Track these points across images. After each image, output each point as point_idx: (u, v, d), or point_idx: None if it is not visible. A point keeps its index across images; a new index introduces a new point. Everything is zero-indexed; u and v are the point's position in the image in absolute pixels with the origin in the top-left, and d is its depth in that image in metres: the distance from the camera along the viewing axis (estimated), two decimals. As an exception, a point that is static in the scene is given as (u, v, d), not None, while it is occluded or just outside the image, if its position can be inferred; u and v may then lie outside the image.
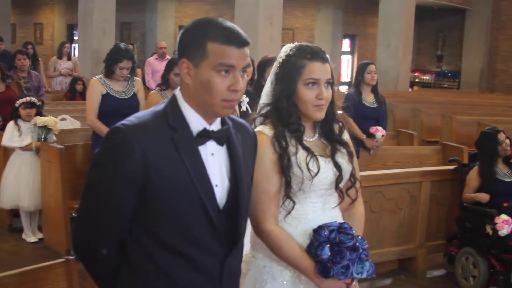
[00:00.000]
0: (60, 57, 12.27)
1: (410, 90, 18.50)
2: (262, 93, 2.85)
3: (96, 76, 6.16)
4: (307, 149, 2.67)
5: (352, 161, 2.81)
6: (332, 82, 2.72)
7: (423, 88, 21.05)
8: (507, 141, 5.82)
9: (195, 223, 2.10)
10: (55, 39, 23.30)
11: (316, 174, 2.65)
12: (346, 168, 2.77)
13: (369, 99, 7.07)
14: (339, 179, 2.75)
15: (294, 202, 2.66)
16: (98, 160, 2.10)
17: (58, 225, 6.32)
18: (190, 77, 2.12)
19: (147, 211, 2.09)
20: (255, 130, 2.65)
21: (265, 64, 5.69)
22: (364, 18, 21.02)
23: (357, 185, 2.86)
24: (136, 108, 6.09)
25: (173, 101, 2.17)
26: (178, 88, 2.21)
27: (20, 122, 6.48)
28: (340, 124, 2.82)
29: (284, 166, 2.61)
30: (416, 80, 22.69)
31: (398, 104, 12.80)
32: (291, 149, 2.65)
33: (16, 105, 6.50)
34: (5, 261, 6.02)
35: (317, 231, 2.61)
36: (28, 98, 6.54)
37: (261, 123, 2.73)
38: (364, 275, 2.59)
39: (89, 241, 2.14)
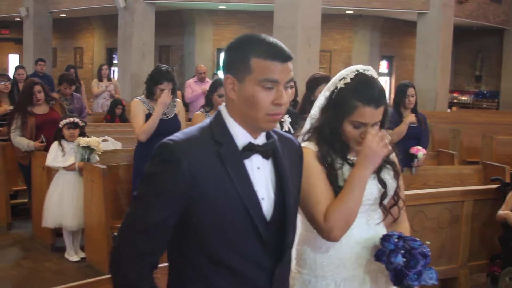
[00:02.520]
0: (100, 79, 12.48)
1: (448, 111, 18.35)
2: (315, 103, 2.88)
3: (138, 97, 6.25)
4: (352, 164, 2.69)
5: (398, 178, 2.82)
6: (383, 121, 2.73)
7: (462, 109, 20.87)
8: None
9: (242, 236, 2.12)
10: (94, 63, 23.69)
11: None
12: (391, 184, 2.78)
13: (411, 118, 7.05)
14: (384, 195, 2.77)
15: None
16: (147, 174, 2.13)
17: (100, 244, 6.38)
18: (234, 92, 2.15)
19: (195, 225, 2.11)
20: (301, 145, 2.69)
21: (317, 81, 5.69)
22: (402, 39, 20.98)
23: (400, 203, 2.87)
24: (177, 129, 6.10)
25: (218, 117, 2.21)
26: (223, 104, 2.26)
27: (63, 142, 6.60)
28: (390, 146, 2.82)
29: (331, 180, 2.63)
30: (455, 101, 22.53)
31: (437, 124, 12.70)
32: (337, 164, 2.67)
33: (60, 125, 6.62)
34: (48, 280, 6.10)
35: (386, 239, 2.64)
36: (71, 119, 6.66)
37: (306, 140, 2.76)
38: (434, 281, 2.63)
39: (128, 251, 2.13)
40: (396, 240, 2.62)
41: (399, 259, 2.58)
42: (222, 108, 2.22)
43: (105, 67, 12.68)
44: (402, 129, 6.87)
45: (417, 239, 2.66)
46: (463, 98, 22.85)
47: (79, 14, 22.10)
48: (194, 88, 11.83)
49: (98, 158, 6.66)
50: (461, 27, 19.28)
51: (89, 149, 6.54)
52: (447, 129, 12.39)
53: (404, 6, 17.42)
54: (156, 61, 18.46)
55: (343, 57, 20.25)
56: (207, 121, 2.22)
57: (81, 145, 6.50)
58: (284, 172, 2.23)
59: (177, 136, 2.12)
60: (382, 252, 2.64)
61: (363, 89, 2.66)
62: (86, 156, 6.54)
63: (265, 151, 2.19)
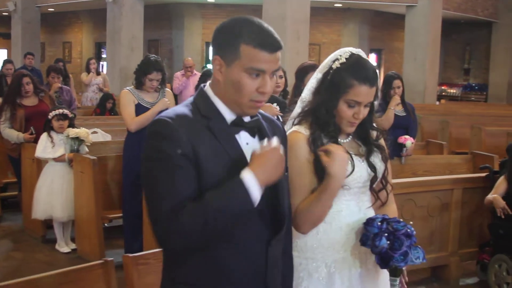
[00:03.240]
0: (88, 73, 12.44)
1: (437, 103, 18.41)
2: (306, 86, 2.89)
3: (127, 88, 6.22)
4: None
5: (386, 162, 2.84)
6: (373, 102, 2.74)
7: (451, 101, 20.94)
8: None
9: None
10: (83, 57, 23.58)
11: (351, 173, 2.68)
12: (380, 168, 2.80)
13: (397, 108, 7.08)
14: (373, 179, 2.79)
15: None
16: (149, 152, 2.11)
17: (91, 235, 6.38)
18: (221, 74, 2.17)
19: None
20: (291, 130, 2.70)
21: (305, 70, 5.70)
22: (390, 32, 21.03)
23: (388, 187, 2.89)
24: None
25: (203, 94, 2.23)
26: (207, 83, 2.27)
27: (53, 133, 6.58)
28: (378, 132, 2.84)
29: (319, 167, 2.63)
30: (443, 93, 22.60)
31: (426, 116, 12.75)
32: None
33: (49, 117, 6.60)
34: (39, 271, 6.04)
35: (369, 223, 2.65)
36: (60, 110, 6.65)
37: (298, 123, 2.76)
38: (421, 260, 2.64)
39: (165, 208, 2.04)
40: (379, 223, 2.63)
41: (383, 242, 2.59)
42: (207, 87, 2.24)
43: (93, 61, 12.67)
44: (389, 115, 6.90)
45: (401, 220, 2.67)
46: (451, 91, 22.94)
47: (67, 9, 22.02)
48: (182, 80, 11.84)
49: (87, 150, 6.66)
50: (450, 20, 19.34)
51: (78, 140, 6.53)
52: (436, 121, 12.45)
53: (393, -1, 17.47)
54: (145, 55, 18.41)
55: (332, 50, 19.70)
56: (190, 99, 2.24)
57: (70, 136, 6.48)
58: None
59: (167, 113, 2.13)
60: (366, 236, 2.66)
61: (359, 68, 2.67)
62: (76, 147, 6.53)
63: (252, 128, 2.22)
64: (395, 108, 7.03)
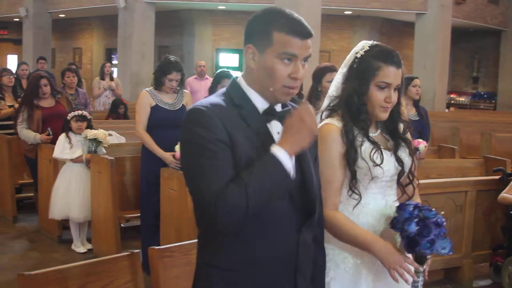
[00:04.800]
0: (102, 77, 12.50)
1: (446, 111, 18.45)
2: (332, 83, 2.97)
3: (146, 89, 6.28)
4: (373, 142, 2.78)
5: (413, 156, 2.91)
6: (401, 87, 2.81)
7: (460, 109, 20.97)
8: None
9: None
10: (93, 63, 23.75)
11: (380, 166, 2.75)
12: (407, 162, 2.87)
13: (411, 112, 7.14)
14: (401, 173, 2.85)
15: (360, 195, 2.76)
16: (188, 138, 2.18)
17: (108, 235, 6.45)
18: (254, 62, 2.25)
19: None
20: (323, 122, 2.77)
21: (323, 71, 5.75)
22: (400, 40, 21.09)
23: (415, 182, 2.96)
24: (184, 120, 6.22)
25: (235, 85, 2.31)
26: (241, 74, 2.34)
27: (71, 134, 6.66)
28: (405, 124, 2.91)
29: (351, 160, 2.71)
30: (452, 101, 22.63)
31: (436, 123, 12.78)
32: (357, 141, 2.76)
33: (68, 118, 6.69)
34: (56, 270, 6.16)
35: (402, 207, 2.71)
36: (79, 112, 6.73)
37: (329, 116, 2.83)
38: (447, 250, 2.68)
39: (212, 193, 2.10)
40: (412, 209, 2.69)
41: (412, 227, 2.64)
42: (240, 77, 2.32)
43: (108, 64, 12.70)
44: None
45: (433, 209, 2.73)
46: (460, 99, 22.97)
47: (78, 15, 22.16)
48: (194, 85, 11.94)
49: (104, 151, 6.72)
50: (459, 28, 19.40)
51: (96, 141, 6.60)
52: (447, 127, 12.48)
53: (403, 7, 17.52)
54: (156, 61, 18.51)
55: (342, 57, 19.95)
56: (222, 90, 2.32)
57: (88, 138, 6.55)
58: None
59: (201, 103, 2.21)
60: (397, 220, 2.71)
61: (383, 52, 2.79)
62: (93, 149, 6.60)
63: (283, 117, 2.27)
64: (409, 112, 7.08)
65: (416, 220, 2.65)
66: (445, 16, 17.38)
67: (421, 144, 6.98)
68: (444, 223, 2.72)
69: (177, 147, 5.90)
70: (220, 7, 18.50)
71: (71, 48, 25.21)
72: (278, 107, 2.31)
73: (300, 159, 2.29)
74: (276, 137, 2.25)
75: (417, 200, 3.01)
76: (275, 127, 2.27)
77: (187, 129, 2.19)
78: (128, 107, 11.20)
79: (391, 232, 2.73)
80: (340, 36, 20.49)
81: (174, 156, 5.84)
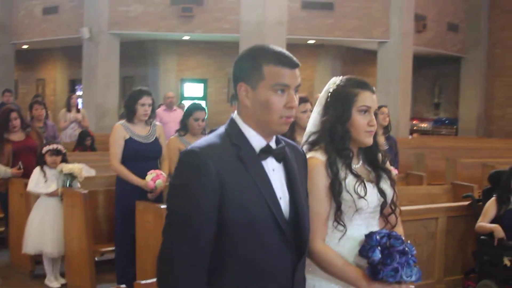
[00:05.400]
0: (69, 109, 12.43)
1: (410, 137, 18.72)
2: (309, 123, 3.05)
3: (120, 122, 6.33)
4: (356, 175, 2.86)
5: (394, 187, 3.00)
6: (376, 113, 2.92)
7: (422, 135, 21.28)
8: None
9: (268, 233, 2.27)
10: (57, 94, 23.58)
11: (364, 198, 2.84)
12: (389, 193, 2.96)
13: (380, 140, 7.25)
14: (383, 204, 2.94)
15: (345, 227, 2.84)
16: (177, 183, 2.26)
17: (82, 269, 6.42)
18: (248, 99, 2.33)
19: (222, 224, 2.23)
20: (307, 156, 2.85)
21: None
22: (363, 68, 21.38)
23: (397, 211, 3.05)
24: (158, 153, 6.28)
25: (233, 123, 2.38)
26: (235, 112, 2.42)
27: (45, 168, 6.64)
28: (383, 153, 3.01)
29: (336, 192, 2.79)
30: (415, 128, 22.94)
31: (401, 149, 12.90)
32: (341, 174, 2.84)
33: (43, 152, 6.66)
34: (30, 306, 6.11)
35: (369, 235, 2.77)
36: (54, 146, 6.71)
37: (310, 150, 2.91)
38: (413, 279, 2.71)
39: (176, 269, 2.24)
40: (379, 237, 2.75)
41: (375, 255, 2.71)
42: (235, 115, 2.39)
43: (74, 96, 12.68)
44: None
45: (401, 238, 2.80)
46: (422, 125, 23.29)
47: (41, 46, 22.02)
48: (163, 116, 11.97)
49: (79, 185, 6.69)
50: (420, 56, 19.74)
51: (71, 176, 6.58)
52: (412, 154, 12.65)
53: (365, 35, 17.81)
54: (121, 92, 18.53)
55: (307, 85, 20.50)
56: (222, 128, 2.39)
57: (64, 172, 6.54)
58: (294, 174, 2.40)
59: (198, 143, 2.28)
60: (364, 247, 2.79)
61: (356, 80, 2.93)
62: (68, 183, 6.57)
63: (278, 154, 2.36)
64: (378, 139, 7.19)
65: (380, 248, 2.71)
66: (407, 44, 17.73)
67: (393, 172, 7.11)
68: (413, 252, 2.77)
69: (148, 177, 5.95)
70: (185, 38, 18.59)
71: (34, 79, 25.00)
72: (273, 143, 2.37)
73: (294, 199, 2.37)
74: (271, 174, 2.32)
75: (399, 228, 3.10)
76: (270, 164, 2.35)
77: (178, 170, 2.27)
78: (95, 138, 11.18)
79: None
80: (305, 64, 20.67)
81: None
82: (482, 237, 5.98)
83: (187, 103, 17.32)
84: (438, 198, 7.65)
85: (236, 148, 2.29)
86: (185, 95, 20.29)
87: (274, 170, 2.35)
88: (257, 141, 2.34)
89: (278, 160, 2.38)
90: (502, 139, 19.43)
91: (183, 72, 20.41)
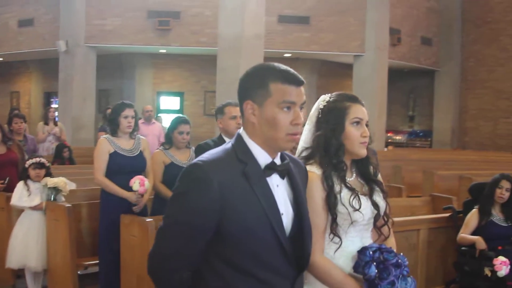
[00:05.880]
0: (46, 122, 12.38)
1: (385, 149, 18.89)
2: (300, 139, 3.11)
3: (104, 136, 6.34)
4: (351, 189, 2.93)
5: (387, 199, 3.08)
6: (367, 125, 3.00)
7: (397, 148, 21.48)
8: (507, 187, 6.14)
9: (268, 248, 2.32)
10: (32, 107, 23.43)
11: (359, 210, 2.91)
12: (382, 206, 3.04)
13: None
14: (377, 216, 3.01)
15: (341, 239, 2.90)
16: (179, 192, 2.32)
17: (65, 283, 6.38)
18: (255, 116, 2.38)
19: (224, 240, 2.29)
20: None
21: None
22: (338, 81, 21.56)
23: (390, 222, 3.12)
24: (143, 167, 6.29)
25: (239, 139, 2.42)
26: (241, 128, 2.47)
27: (29, 182, 6.61)
28: (374, 165, 3.09)
29: (331, 204, 2.86)
30: (389, 140, 23.14)
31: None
32: (336, 187, 2.90)
33: (26, 165, 6.65)
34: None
35: (362, 252, 2.84)
36: (38, 159, 6.69)
37: (306, 164, 2.98)
38: None
39: (164, 266, 2.33)
40: (372, 252, 2.83)
41: (372, 271, 2.78)
42: (242, 132, 2.44)
43: (52, 109, 12.63)
44: None
45: (393, 250, 2.88)
46: (397, 137, 23.50)
47: (16, 58, 21.91)
48: (142, 130, 11.93)
49: (63, 199, 6.65)
50: (394, 69, 19.98)
51: (55, 189, 6.56)
52: (388, 166, 12.77)
53: (341, 49, 18.00)
54: (97, 104, 18.49)
55: (282, 98, 20.66)
56: (229, 144, 2.43)
57: (48, 186, 6.52)
58: (299, 190, 2.46)
59: (204, 157, 2.33)
60: (358, 264, 2.86)
61: (345, 95, 3.03)
62: (52, 196, 6.55)
63: (282, 171, 2.41)
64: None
65: (375, 263, 2.78)
66: (382, 57, 17.95)
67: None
68: (406, 263, 2.86)
69: (135, 186, 5.96)
70: (161, 51, 18.62)
71: (8, 92, 24.80)
72: (277, 159, 2.43)
73: (300, 215, 2.44)
74: (275, 189, 2.37)
75: (391, 239, 3.17)
76: (275, 181, 2.40)
77: (184, 182, 2.31)
78: (72, 150, 11.17)
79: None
80: (281, 78, 20.75)
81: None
82: (463, 248, 6.09)
83: (164, 117, 17.43)
84: (418, 210, 7.75)
85: (242, 164, 2.34)
86: (161, 108, 20.28)
87: (278, 186, 2.41)
88: (262, 158, 2.39)
89: (282, 176, 2.43)
90: (476, 151, 19.72)
91: (159, 85, 20.41)
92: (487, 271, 5.76)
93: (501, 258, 5.64)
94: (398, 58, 19.43)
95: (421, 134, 23.21)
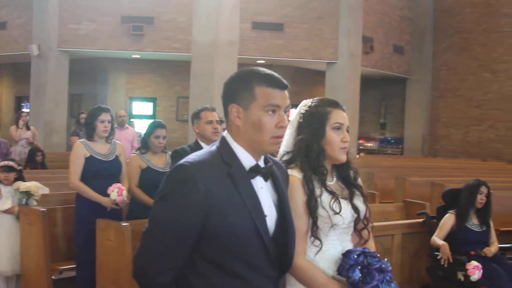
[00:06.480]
0: (18, 126, 12.30)
1: (357, 156, 19.01)
2: (282, 144, 3.14)
3: (80, 140, 6.32)
4: (331, 192, 2.96)
5: (366, 203, 3.12)
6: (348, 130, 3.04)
7: (369, 155, 21.63)
8: (486, 193, 6.24)
9: (252, 249, 2.35)
10: (2, 111, 23.21)
11: (339, 214, 2.94)
12: (362, 209, 3.08)
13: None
14: (357, 220, 3.05)
15: (321, 242, 2.93)
16: (164, 194, 2.33)
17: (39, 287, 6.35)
18: (240, 119, 2.41)
19: (208, 240, 2.31)
20: None
21: None
22: (311, 88, 21.65)
23: (369, 226, 3.17)
24: (118, 171, 6.28)
25: (224, 142, 2.45)
26: (225, 131, 2.50)
27: (0, 186, 6.56)
28: (354, 169, 3.13)
29: (312, 208, 2.89)
30: (361, 147, 23.30)
31: (350, 168, 13.12)
32: (317, 191, 2.94)
33: (-5, 169, 6.59)
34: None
35: (346, 255, 2.88)
36: (6, 162, 6.64)
37: (287, 168, 3.01)
38: None
39: (150, 268, 2.34)
40: (356, 256, 2.87)
41: (356, 274, 2.82)
42: (226, 134, 2.47)
43: (24, 113, 12.55)
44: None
45: (377, 255, 2.92)
46: (369, 144, 23.66)
47: (-14, 62, 21.73)
48: (115, 134, 11.88)
49: (35, 203, 6.61)
50: (367, 76, 20.11)
51: (27, 194, 6.51)
52: (361, 173, 12.66)
53: (314, 56, 18.10)
54: (69, 109, 18.36)
55: (256, 105, 20.70)
56: (214, 146, 2.46)
57: (20, 190, 6.47)
58: (283, 192, 2.50)
59: (190, 158, 2.35)
60: (342, 267, 2.90)
61: (326, 100, 3.08)
62: (24, 201, 6.50)
63: (266, 173, 2.45)
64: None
65: (359, 267, 2.82)
66: (355, 65, 18.09)
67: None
68: (389, 268, 2.90)
69: (113, 194, 5.94)
70: (135, 56, 18.56)
71: (-22, 96, 24.56)
72: (261, 162, 2.46)
73: (284, 217, 2.47)
74: (260, 191, 2.40)
75: (371, 242, 3.22)
76: (259, 183, 2.43)
77: (170, 183, 2.33)
78: (46, 155, 11.10)
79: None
80: (253, 84, 20.79)
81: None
82: (436, 253, 6.16)
83: (137, 122, 17.37)
84: (391, 215, 7.83)
85: (227, 166, 2.36)
86: (134, 113, 20.21)
87: (262, 188, 2.44)
88: (247, 160, 2.42)
89: (266, 178, 2.46)
90: (447, 158, 19.93)
91: (132, 91, 20.35)
92: (460, 276, 5.84)
93: (474, 263, 5.73)
94: (370, 66, 19.59)
95: (392, 141, 23.40)
